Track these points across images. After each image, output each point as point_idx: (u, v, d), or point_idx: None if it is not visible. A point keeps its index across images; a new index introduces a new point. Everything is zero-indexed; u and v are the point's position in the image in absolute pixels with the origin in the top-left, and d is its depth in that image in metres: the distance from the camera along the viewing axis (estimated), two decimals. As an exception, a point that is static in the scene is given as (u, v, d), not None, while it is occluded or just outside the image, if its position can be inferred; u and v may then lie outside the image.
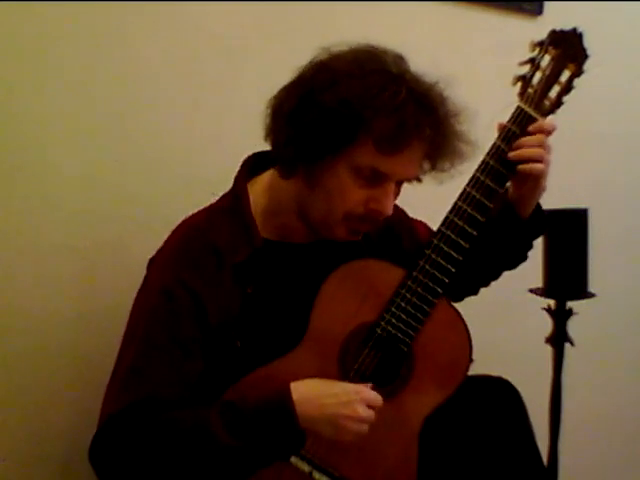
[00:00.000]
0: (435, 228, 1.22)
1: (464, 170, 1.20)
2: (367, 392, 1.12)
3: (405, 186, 1.23)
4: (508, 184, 1.24)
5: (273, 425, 1.08)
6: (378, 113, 1.09)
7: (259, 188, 1.24)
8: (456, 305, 1.23)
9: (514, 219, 1.28)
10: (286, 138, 1.15)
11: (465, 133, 1.18)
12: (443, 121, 1.14)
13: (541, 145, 1.20)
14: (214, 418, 1.08)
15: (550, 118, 1.23)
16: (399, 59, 1.16)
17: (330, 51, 1.16)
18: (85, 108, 1.45)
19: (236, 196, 1.24)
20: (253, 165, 1.27)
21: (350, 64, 1.12)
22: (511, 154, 1.19)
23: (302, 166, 1.16)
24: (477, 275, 1.40)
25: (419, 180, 1.23)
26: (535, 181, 1.22)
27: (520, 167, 1.19)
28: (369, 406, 1.11)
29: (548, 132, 1.21)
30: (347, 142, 1.11)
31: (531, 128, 1.20)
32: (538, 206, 1.29)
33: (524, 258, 1.38)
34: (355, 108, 1.09)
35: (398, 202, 1.42)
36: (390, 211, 1.17)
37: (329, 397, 1.10)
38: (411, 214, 1.44)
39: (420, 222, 1.44)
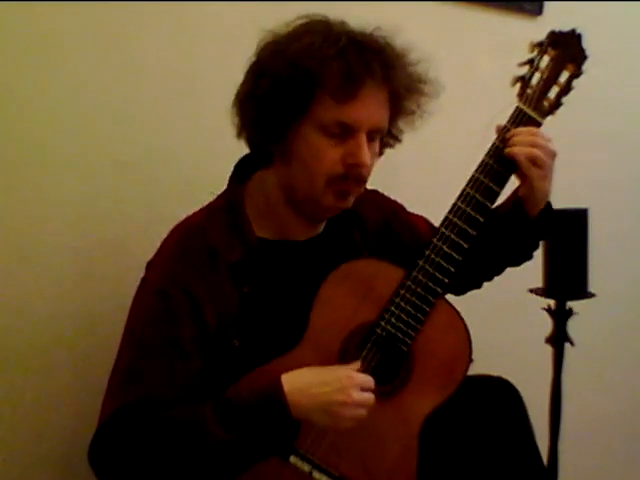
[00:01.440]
0: (436, 228, 1.22)
1: (433, 110, 1.22)
2: (358, 376, 1.11)
3: (405, 186, 1.23)
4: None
5: (266, 417, 1.08)
6: (324, 63, 1.11)
7: (252, 188, 1.25)
8: (456, 305, 1.23)
9: (522, 216, 1.27)
10: (250, 120, 1.19)
11: (421, 72, 1.19)
12: (393, 59, 1.16)
13: (533, 144, 1.19)
14: (208, 414, 1.08)
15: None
16: (340, 21, 1.19)
17: (272, 31, 1.19)
18: (85, 108, 1.45)
19: (231, 196, 1.24)
20: (247, 166, 1.27)
21: (291, 32, 1.17)
22: (506, 150, 1.19)
23: (275, 147, 1.19)
24: (482, 270, 1.40)
25: (397, 138, 1.25)
26: (532, 180, 1.21)
27: (520, 166, 1.20)
28: (364, 389, 1.11)
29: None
30: (306, 102, 1.14)
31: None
32: (548, 205, 1.28)
33: (530, 257, 1.38)
34: (302, 66, 1.11)
35: (398, 199, 1.43)
36: (368, 160, 1.17)
37: (321, 385, 1.09)
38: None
39: (419, 217, 1.44)
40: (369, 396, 1.11)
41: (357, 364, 1.15)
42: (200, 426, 1.08)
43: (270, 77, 1.14)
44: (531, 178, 1.21)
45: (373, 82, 1.14)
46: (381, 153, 1.26)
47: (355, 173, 1.17)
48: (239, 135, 1.23)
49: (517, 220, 1.28)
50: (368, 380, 1.12)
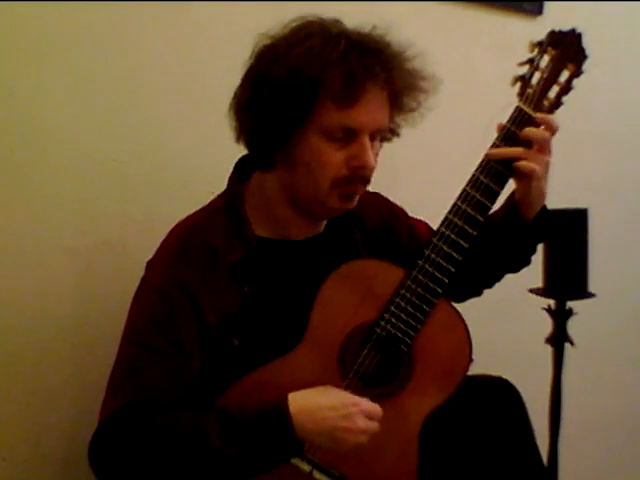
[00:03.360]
0: (436, 228, 1.22)
1: (432, 106, 1.22)
2: (366, 403, 1.11)
3: (405, 186, 1.23)
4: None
5: (270, 437, 1.08)
6: (325, 69, 1.10)
7: (252, 188, 1.25)
8: (456, 305, 1.23)
9: (518, 221, 1.27)
10: (251, 127, 1.18)
11: (420, 68, 1.19)
12: (393, 59, 1.16)
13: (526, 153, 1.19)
14: (211, 426, 1.08)
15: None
16: (335, 20, 1.18)
17: (268, 34, 1.18)
18: (85, 108, 1.45)
19: (230, 195, 1.24)
20: (247, 165, 1.27)
21: (288, 36, 1.16)
22: (493, 151, 1.20)
23: (277, 152, 1.18)
24: (481, 276, 1.41)
25: (395, 133, 1.25)
26: (528, 181, 1.21)
27: (513, 165, 1.20)
28: (369, 417, 1.10)
29: (552, 131, 1.20)
30: (308, 108, 1.13)
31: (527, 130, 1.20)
32: (544, 209, 1.28)
33: (527, 262, 1.37)
34: (303, 72, 1.10)
35: (397, 202, 1.43)
36: (372, 162, 1.17)
37: (328, 410, 1.09)
38: (411, 214, 1.44)
39: (420, 221, 1.44)
40: (374, 425, 1.11)
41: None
42: (201, 436, 1.07)
43: (271, 84, 1.13)
44: (526, 188, 1.22)
45: (375, 85, 1.14)
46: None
47: (360, 175, 1.18)
48: (238, 139, 1.22)
49: (513, 225, 1.28)
50: (375, 408, 1.12)
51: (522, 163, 1.19)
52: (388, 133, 1.26)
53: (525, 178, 1.21)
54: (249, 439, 1.08)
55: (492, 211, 1.24)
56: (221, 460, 1.07)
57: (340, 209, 1.22)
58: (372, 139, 1.18)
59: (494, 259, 1.35)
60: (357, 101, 1.12)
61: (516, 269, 1.39)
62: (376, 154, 1.21)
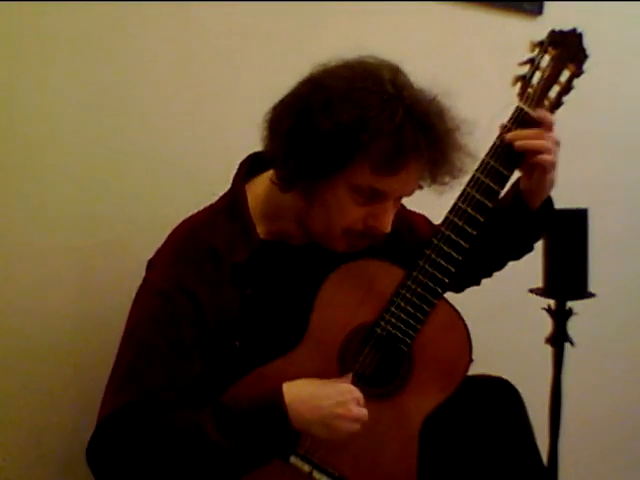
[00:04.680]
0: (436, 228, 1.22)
1: (464, 181, 1.20)
2: (358, 390, 1.13)
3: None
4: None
5: (266, 427, 1.08)
6: (375, 136, 1.07)
7: (258, 190, 1.24)
8: (456, 305, 1.23)
9: (523, 209, 1.28)
10: (284, 155, 1.14)
11: (464, 146, 1.16)
12: (441, 137, 1.12)
13: (543, 137, 1.20)
14: (207, 419, 1.08)
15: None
16: (396, 73, 1.14)
17: (326, 67, 1.15)
18: (85, 108, 1.45)
19: (234, 197, 1.24)
20: (251, 165, 1.26)
21: (345, 83, 1.10)
22: (518, 143, 1.19)
23: (300, 181, 1.15)
24: (482, 264, 1.40)
25: (419, 187, 1.23)
26: (542, 173, 1.22)
27: (531, 159, 1.20)
28: (361, 404, 1.12)
29: (548, 126, 1.21)
30: (344, 164, 1.10)
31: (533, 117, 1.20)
32: (549, 198, 1.29)
33: (530, 249, 1.38)
34: (351, 132, 1.07)
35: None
36: (389, 228, 1.17)
37: (323, 398, 1.10)
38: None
39: (419, 215, 1.44)
40: (365, 412, 1.12)
41: (349, 376, 1.16)
42: (199, 431, 1.08)
43: (315, 130, 1.09)
44: (543, 168, 1.21)
45: (416, 160, 1.11)
46: None
47: (374, 233, 1.18)
48: (264, 149, 1.19)
49: (518, 212, 1.28)
50: (361, 396, 1.13)
51: (542, 157, 1.19)
52: None
53: (537, 170, 1.21)
54: (245, 430, 1.08)
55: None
56: (219, 453, 1.08)
57: (343, 252, 1.21)
58: (395, 199, 1.18)
59: (497, 245, 1.36)
60: (396, 174, 1.11)
61: (518, 256, 1.40)
62: (396, 209, 1.20)
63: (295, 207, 1.19)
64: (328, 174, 1.12)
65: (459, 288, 1.41)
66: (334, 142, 1.08)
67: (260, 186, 1.24)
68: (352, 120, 1.07)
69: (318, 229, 1.19)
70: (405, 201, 1.42)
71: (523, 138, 1.19)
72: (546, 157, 1.20)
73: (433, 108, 1.13)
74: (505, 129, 1.21)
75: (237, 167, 1.27)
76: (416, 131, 1.09)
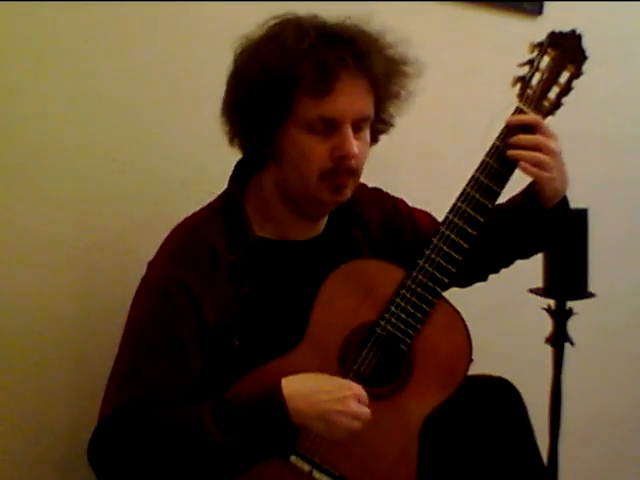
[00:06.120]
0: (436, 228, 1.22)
1: (418, 91, 1.22)
2: (358, 387, 1.12)
3: (405, 186, 1.23)
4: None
5: (265, 421, 1.08)
6: (296, 63, 1.11)
7: (252, 189, 1.26)
8: (456, 305, 1.23)
9: (537, 207, 1.27)
10: (237, 128, 1.20)
11: (399, 53, 1.19)
12: (367, 47, 1.15)
13: (538, 147, 1.19)
14: (206, 415, 1.08)
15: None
16: (312, 16, 1.18)
17: (246, 36, 1.19)
18: (85, 108, 1.45)
19: (230, 196, 1.25)
20: (247, 166, 1.27)
21: (264, 34, 1.17)
22: (510, 152, 1.19)
23: (266, 151, 1.19)
24: (492, 260, 1.40)
25: (388, 123, 1.24)
26: (540, 183, 1.22)
27: (521, 170, 1.20)
28: (361, 401, 1.11)
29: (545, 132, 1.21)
30: (286, 104, 1.14)
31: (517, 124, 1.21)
32: (564, 199, 1.27)
33: (542, 249, 1.38)
34: (276, 68, 1.12)
35: (399, 195, 1.42)
36: (355, 151, 1.16)
37: (322, 393, 1.10)
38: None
39: (423, 212, 1.43)
40: (366, 410, 1.11)
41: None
42: (198, 428, 1.07)
43: (247, 83, 1.15)
44: (540, 182, 1.22)
45: (348, 73, 1.14)
46: (376, 140, 1.26)
47: (345, 165, 1.17)
48: (231, 142, 1.24)
49: (531, 210, 1.28)
50: (365, 393, 1.12)
51: (531, 170, 1.19)
52: (380, 124, 1.25)
53: (533, 173, 1.21)
54: (244, 425, 1.08)
55: (512, 194, 1.23)
56: (219, 449, 1.07)
57: (333, 202, 1.22)
58: (358, 130, 1.18)
59: (509, 242, 1.36)
60: (331, 91, 1.13)
61: (527, 255, 1.40)
62: (365, 143, 1.20)
63: (274, 183, 1.22)
64: (279, 120, 1.15)
65: (466, 283, 1.41)
66: (268, 85, 1.13)
67: (253, 185, 1.26)
68: (274, 57, 1.12)
69: (297, 187, 1.19)
70: (405, 200, 1.43)
71: (519, 146, 1.19)
72: (533, 170, 1.19)
73: (347, 23, 1.17)
74: (504, 129, 1.21)
75: (233, 168, 1.28)
76: (334, 45, 1.13)
